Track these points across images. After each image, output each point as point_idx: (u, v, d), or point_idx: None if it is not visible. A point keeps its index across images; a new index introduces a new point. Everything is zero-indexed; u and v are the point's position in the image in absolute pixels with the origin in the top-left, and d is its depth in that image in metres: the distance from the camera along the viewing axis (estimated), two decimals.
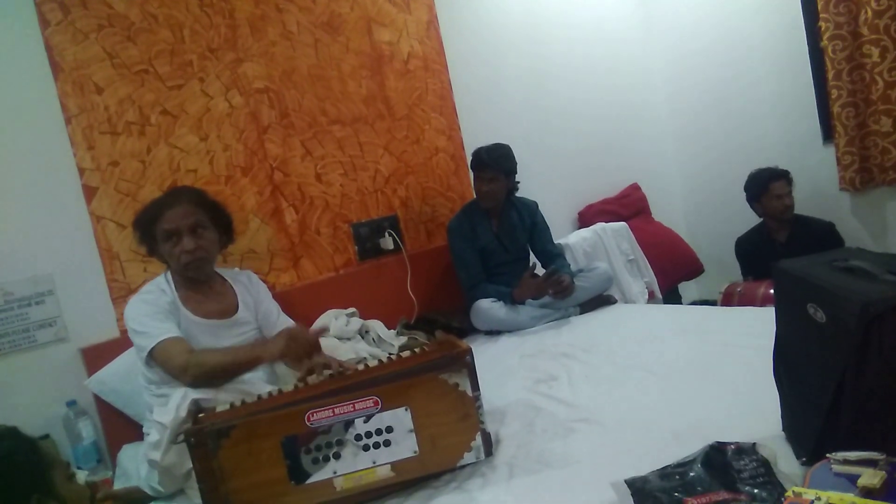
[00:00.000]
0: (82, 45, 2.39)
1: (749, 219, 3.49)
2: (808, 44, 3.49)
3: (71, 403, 2.27)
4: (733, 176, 3.64)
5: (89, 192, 2.40)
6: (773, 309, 1.36)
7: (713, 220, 4.19)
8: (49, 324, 2.29)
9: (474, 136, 3.28)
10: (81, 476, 2.13)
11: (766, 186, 3.28)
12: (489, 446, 1.59)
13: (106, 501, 1.89)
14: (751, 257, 3.45)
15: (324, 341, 2.52)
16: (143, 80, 2.52)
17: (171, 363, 1.85)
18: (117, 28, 2.47)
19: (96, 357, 2.30)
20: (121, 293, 2.41)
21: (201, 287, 2.07)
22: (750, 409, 1.53)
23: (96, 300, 2.38)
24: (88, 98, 2.40)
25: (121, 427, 2.29)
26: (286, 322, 2.23)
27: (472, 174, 3.07)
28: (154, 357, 1.88)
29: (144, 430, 1.99)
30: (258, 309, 2.19)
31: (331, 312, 2.74)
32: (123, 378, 2.21)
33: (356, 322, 2.70)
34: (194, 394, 1.68)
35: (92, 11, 2.42)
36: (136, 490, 1.87)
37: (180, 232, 1.95)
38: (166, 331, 1.89)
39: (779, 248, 3.28)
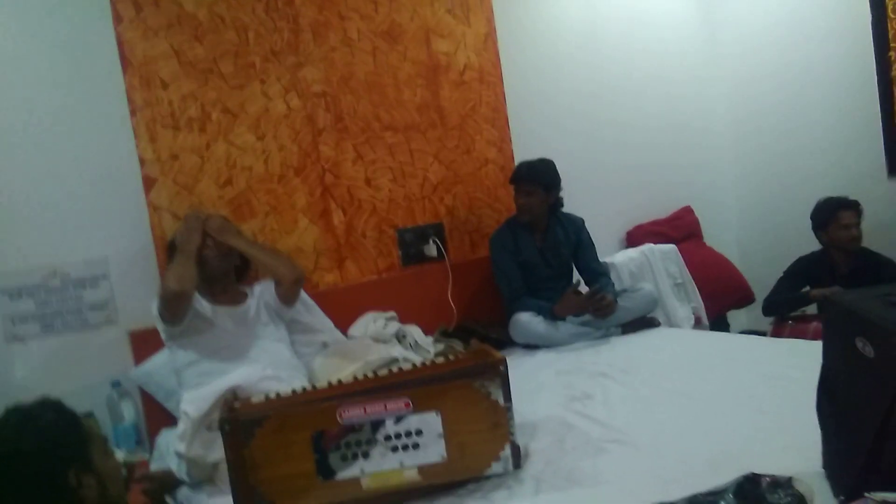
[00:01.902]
0: (152, 41, 2.50)
1: (808, 251, 3.37)
2: (876, 74, 3.38)
3: (115, 384, 2.35)
4: (793, 206, 3.53)
5: (149, 183, 2.49)
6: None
7: (769, 249, 4.06)
8: (101, 306, 2.38)
9: (525, 149, 3.27)
10: (119, 455, 2.20)
11: (833, 215, 3.14)
12: (518, 458, 1.58)
13: (143, 482, 1.95)
14: (805, 278, 3.28)
15: (358, 342, 2.57)
16: (207, 78, 2.61)
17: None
18: (185, 27, 2.57)
19: (143, 342, 2.38)
20: None
21: (220, 293, 2.32)
22: (790, 443, 1.48)
23: (147, 286, 2.45)
24: (154, 92, 2.50)
25: (161, 411, 2.36)
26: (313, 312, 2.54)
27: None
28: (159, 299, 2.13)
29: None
30: (267, 295, 2.39)
31: (370, 315, 2.77)
32: (168, 374, 2.27)
33: (394, 325, 2.72)
34: (227, 382, 1.74)
35: (163, 10, 2.52)
36: (171, 473, 1.93)
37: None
38: None
39: (839, 279, 3.15)
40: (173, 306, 2.08)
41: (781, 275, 3.31)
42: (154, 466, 2.16)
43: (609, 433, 1.78)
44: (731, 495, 1.20)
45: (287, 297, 2.36)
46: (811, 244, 3.31)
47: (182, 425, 1.78)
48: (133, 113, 2.46)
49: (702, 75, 4.14)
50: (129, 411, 2.34)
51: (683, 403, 1.93)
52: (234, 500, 1.48)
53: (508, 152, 3.38)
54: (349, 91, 2.93)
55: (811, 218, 3.25)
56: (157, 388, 2.35)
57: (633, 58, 3.86)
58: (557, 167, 3.01)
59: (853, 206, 3.13)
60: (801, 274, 3.32)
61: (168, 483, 1.95)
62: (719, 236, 4.06)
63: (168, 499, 1.99)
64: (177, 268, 2.13)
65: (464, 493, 1.53)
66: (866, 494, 1.01)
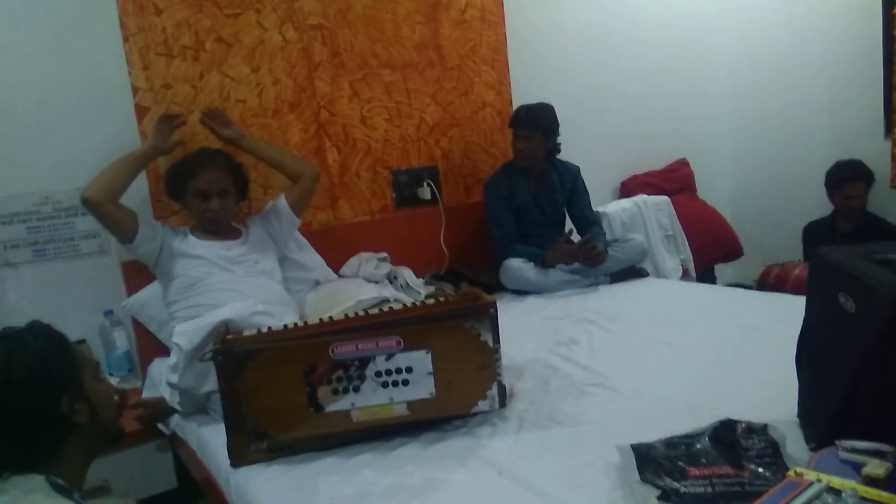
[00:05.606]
0: None
1: (802, 208, 3.41)
2: (882, 32, 3.33)
3: (108, 313, 2.37)
4: (788, 163, 3.54)
5: (141, 112, 2.44)
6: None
7: (760, 205, 4.10)
8: (93, 235, 2.37)
9: (524, 93, 3.24)
10: (112, 382, 2.24)
11: (840, 185, 3.28)
12: (503, 397, 1.62)
13: (136, 409, 2.00)
14: (812, 242, 3.42)
15: (350, 282, 2.60)
16: (202, 5, 2.53)
17: None
18: None
19: (135, 272, 2.38)
20: (164, 213, 2.48)
21: (213, 230, 2.31)
22: (768, 393, 1.53)
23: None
24: (147, 18, 2.43)
25: (153, 341, 2.38)
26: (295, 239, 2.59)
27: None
28: None
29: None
30: (265, 225, 2.44)
31: (362, 255, 2.78)
32: (160, 306, 2.28)
33: (385, 267, 2.74)
34: (218, 315, 1.76)
35: None
36: (164, 401, 1.97)
37: (210, 194, 2.22)
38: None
39: (839, 238, 3.25)
40: (91, 213, 2.13)
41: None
42: (146, 394, 2.20)
43: (592, 377, 1.83)
44: (706, 439, 1.25)
45: (303, 197, 2.50)
46: (806, 199, 3.37)
47: (174, 357, 1.81)
48: (126, 39, 2.40)
49: (705, 24, 4.07)
50: (122, 340, 2.37)
51: (666, 351, 1.98)
52: (226, 429, 1.52)
53: (507, 96, 3.34)
54: (346, 25, 2.86)
55: (826, 176, 3.34)
56: (149, 318, 2.36)
57: (638, 1, 3.78)
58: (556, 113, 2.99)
59: (861, 178, 3.24)
60: (807, 239, 3.44)
61: (161, 411, 2.00)
62: (713, 190, 4.08)
63: (160, 426, 2.05)
64: (106, 173, 2.13)
65: (450, 429, 1.58)
66: (836, 442, 1.05)
